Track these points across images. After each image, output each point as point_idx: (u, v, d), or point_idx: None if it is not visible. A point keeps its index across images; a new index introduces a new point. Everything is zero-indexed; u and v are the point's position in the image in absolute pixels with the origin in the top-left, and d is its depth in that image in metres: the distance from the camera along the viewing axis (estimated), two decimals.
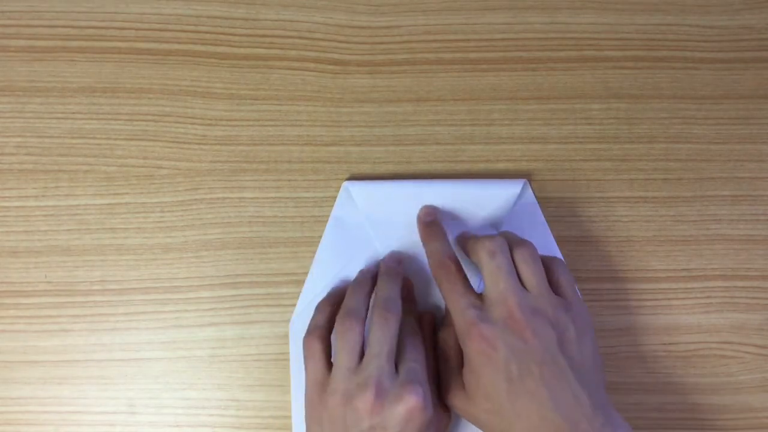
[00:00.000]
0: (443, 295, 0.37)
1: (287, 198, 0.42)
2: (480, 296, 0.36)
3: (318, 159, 0.43)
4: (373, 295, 0.39)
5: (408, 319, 0.39)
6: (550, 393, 0.33)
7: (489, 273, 0.36)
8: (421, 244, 0.40)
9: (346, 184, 0.42)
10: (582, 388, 0.34)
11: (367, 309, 0.38)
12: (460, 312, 0.36)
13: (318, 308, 0.40)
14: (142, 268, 0.42)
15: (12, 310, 0.41)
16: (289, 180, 0.42)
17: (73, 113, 0.42)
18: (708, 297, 0.42)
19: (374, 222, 0.41)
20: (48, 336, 0.41)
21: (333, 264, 0.42)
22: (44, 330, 0.41)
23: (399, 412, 0.34)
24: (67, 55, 0.43)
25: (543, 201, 0.42)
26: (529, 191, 0.42)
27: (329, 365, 0.37)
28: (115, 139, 0.42)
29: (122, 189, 0.42)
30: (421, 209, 0.41)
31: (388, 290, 0.38)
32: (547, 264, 0.37)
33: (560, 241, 0.42)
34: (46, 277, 0.42)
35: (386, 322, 0.36)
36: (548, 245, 0.41)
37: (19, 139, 0.42)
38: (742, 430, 0.42)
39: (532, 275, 0.36)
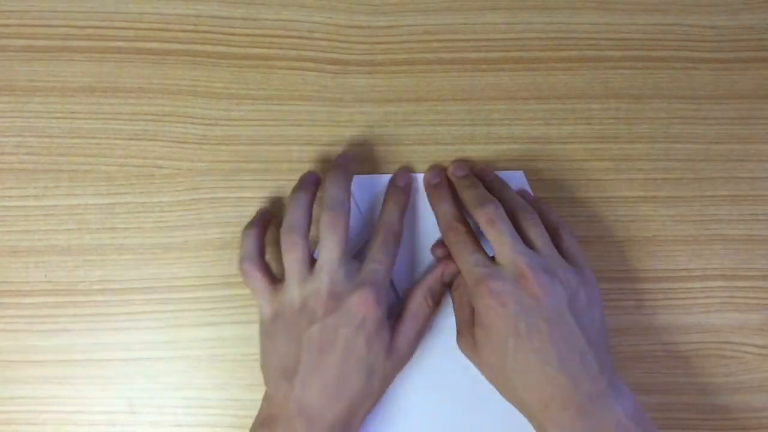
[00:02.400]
0: (454, 255, 0.38)
1: (287, 198, 0.42)
2: (491, 258, 0.37)
3: (318, 159, 0.43)
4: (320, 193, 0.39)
5: (387, 219, 0.39)
6: (556, 351, 0.34)
7: (493, 239, 0.36)
8: (415, 232, 0.41)
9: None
10: (589, 349, 0.34)
11: (310, 220, 0.38)
12: (470, 269, 0.36)
13: (244, 236, 0.39)
14: (142, 267, 0.42)
15: (12, 309, 0.41)
16: (289, 180, 0.42)
17: (73, 113, 0.42)
18: (708, 297, 0.42)
19: (371, 213, 0.42)
20: (48, 336, 0.41)
21: None
22: (44, 330, 0.41)
23: (351, 307, 0.35)
24: (67, 54, 0.43)
25: (543, 201, 0.42)
26: (525, 183, 0.42)
27: (276, 286, 0.37)
28: (115, 139, 0.42)
29: (122, 189, 0.42)
30: (427, 171, 0.42)
31: (332, 188, 0.38)
32: (554, 229, 0.38)
33: None
34: (46, 276, 0.42)
35: (334, 227, 0.36)
36: None
37: (19, 139, 0.42)
38: (742, 430, 0.42)
39: (537, 238, 0.37)
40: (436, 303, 0.39)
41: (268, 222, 0.41)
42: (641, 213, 0.43)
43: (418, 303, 0.38)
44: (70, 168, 0.42)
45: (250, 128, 0.43)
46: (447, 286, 0.40)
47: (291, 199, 0.38)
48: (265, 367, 0.37)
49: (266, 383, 0.37)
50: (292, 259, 0.37)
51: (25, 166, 0.42)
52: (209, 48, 0.43)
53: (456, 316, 0.39)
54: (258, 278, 0.38)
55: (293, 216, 0.38)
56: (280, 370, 0.36)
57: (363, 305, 0.35)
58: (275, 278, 0.38)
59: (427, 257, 0.41)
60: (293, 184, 0.42)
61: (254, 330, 0.41)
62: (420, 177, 0.42)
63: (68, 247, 0.42)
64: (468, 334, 0.38)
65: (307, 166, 0.42)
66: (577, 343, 0.34)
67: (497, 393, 0.38)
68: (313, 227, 0.38)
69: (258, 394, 0.41)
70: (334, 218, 0.37)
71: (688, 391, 0.42)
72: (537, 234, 0.37)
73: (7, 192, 0.42)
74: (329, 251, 0.36)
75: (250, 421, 0.41)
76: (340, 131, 0.43)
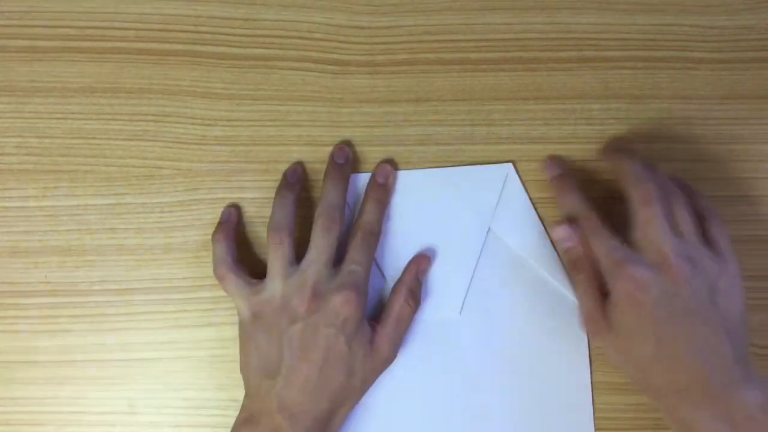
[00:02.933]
0: (591, 242, 0.37)
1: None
2: (626, 242, 0.36)
3: (318, 159, 0.43)
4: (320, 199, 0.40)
5: (366, 219, 0.39)
6: (694, 341, 0.34)
7: (643, 220, 0.36)
8: (403, 231, 0.41)
9: None
10: (726, 340, 0.34)
11: (296, 218, 0.39)
12: (609, 252, 0.36)
13: (215, 242, 0.40)
14: (142, 268, 0.42)
15: (12, 310, 0.41)
16: None
17: (73, 113, 0.42)
18: None
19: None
20: (48, 336, 0.41)
21: None
22: (44, 330, 0.41)
23: (333, 307, 0.36)
24: (67, 55, 0.43)
25: (543, 201, 0.42)
26: (514, 174, 0.42)
27: (254, 287, 0.38)
28: (115, 139, 0.42)
29: (122, 189, 0.42)
30: (547, 160, 0.42)
31: (332, 195, 0.39)
32: (702, 215, 0.38)
33: None
34: (46, 277, 0.42)
35: (328, 230, 0.38)
36: (536, 226, 0.42)
37: (19, 139, 0.42)
38: None
39: (685, 223, 0.36)
40: (417, 302, 0.40)
41: (236, 225, 0.41)
42: None
43: (399, 305, 0.39)
44: (70, 168, 0.42)
45: (250, 128, 0.43)
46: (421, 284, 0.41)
47: (278, 197, 0.40)
48: (244, 368, 0.38)
49: (246, 384, 0.38)
50: (278, 256, 0.38)
51: (25, 167, 0.42)
52: (209, 48, 0.43)
53: (581, 300, 0.38)
54: (234, 280, 0.38)
55: (280, 214, 0.39)
56: (260, 369, 0.37)
57: (345, 306, 0.36)
58: (251, 280, 0.39)
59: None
60: None
61: None
62: (400, 174, 0.42)
63: (68, 248, 0.42)
64: (599, 317, 0.37)
65: (307, 167, 0.42)
66: (714, 332, 0.34)
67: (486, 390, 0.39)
68: None
69: None
70: (329, 223, 0.38)
71: None
72: (683, 218, 0.36)
73: (7, 192, 0.42)
74: (318, 253, 0.37)
75: None
76: (340, 131, 0.43)
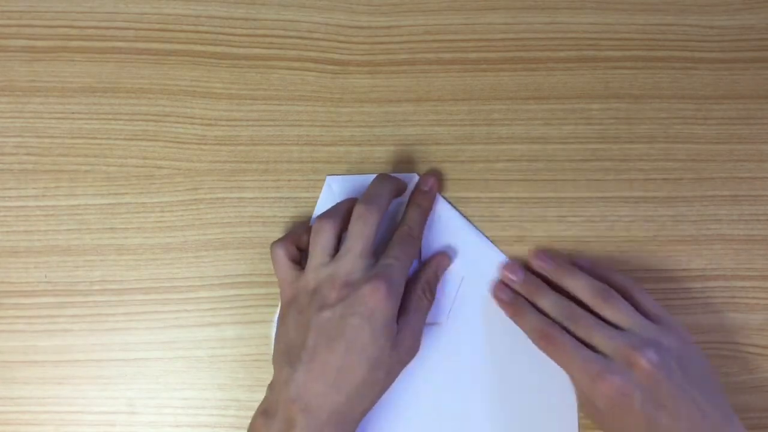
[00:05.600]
0: (557, 359, 0.37)
1: (287, 198, 0.42)
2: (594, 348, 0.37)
3: (318, 159, 0.43)
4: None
5: (407, 222, 0.39)
6: (683, 422, 0.34)
7: (598, 333, 0.36)
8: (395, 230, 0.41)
9: (328, 179, 0.42)
10: (707, 402, 0.35)
11: (346, 217, 0.38)
12: (581, 364, 0.36)
13: (294, 226, 0.41)
14: (142, 268, 0.42)
15: (12, 310, 0.41)
16: (289, 180, 0.42)
17: (73, 113, 0.42)
18: (708, 297, 0.42)
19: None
20: (48, 336, 0.41)
21: None
22: (44, 330, 0.41)
23: (361, 296, 0.35)
24: (67, 55, 0.43)
25: (544, 201, 0.42)
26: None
27: (298, 267, 0.38)
28: (115, 139, 0.42)
29: (122, 189, 0.42)
30: (498, 285, 0.41)
31: (374, 187, 0.39)
32: (625, 292, 0.38)
33: (560, 241, 0.42)
34: (46, 277, 0.42)
35: (365, 217, 0.37)
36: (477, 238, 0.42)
37: (19, 139, 0.42)
38: None
39: (625, 317, 0.37)
40: (432, 296, 0.40)
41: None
42: (641, 213, 0.43)
43: (417, 296, 0.39)
44: (70, 168, 0.42)
45: (250, 128, 0.43)
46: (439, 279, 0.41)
47: (332, 206, 0.39)
48: (274, 354, 0.37)
49: (274, 369, 0.37)
50: (317, 242, 0.37)
51: (25, 167, 0.42)
52: (209, 48, 0.43)
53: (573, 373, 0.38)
54: (282, 260, 0.38)
55: (330, 210, 0.39)
56: (285, 354, 0.36)
57: (373, 296, 0.35)
58: (299, 266, 0.38)
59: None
60: (293, 184, 0.42)
61: (254, 330, 0.42)
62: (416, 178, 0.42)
63: (68, 248, 0.42)
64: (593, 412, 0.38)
65: (307, 166, 0.42)
66: (697, 404, 0.35)
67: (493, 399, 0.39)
68: None
69: (258, 395, 0.41)
70: (368, 212, 0.37)
71: None
72: (624, 313, 0.37)
73: (7, 192, 0.42)
74: (353, 241, 0.36)
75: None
76: (340, 131, 0.43)
